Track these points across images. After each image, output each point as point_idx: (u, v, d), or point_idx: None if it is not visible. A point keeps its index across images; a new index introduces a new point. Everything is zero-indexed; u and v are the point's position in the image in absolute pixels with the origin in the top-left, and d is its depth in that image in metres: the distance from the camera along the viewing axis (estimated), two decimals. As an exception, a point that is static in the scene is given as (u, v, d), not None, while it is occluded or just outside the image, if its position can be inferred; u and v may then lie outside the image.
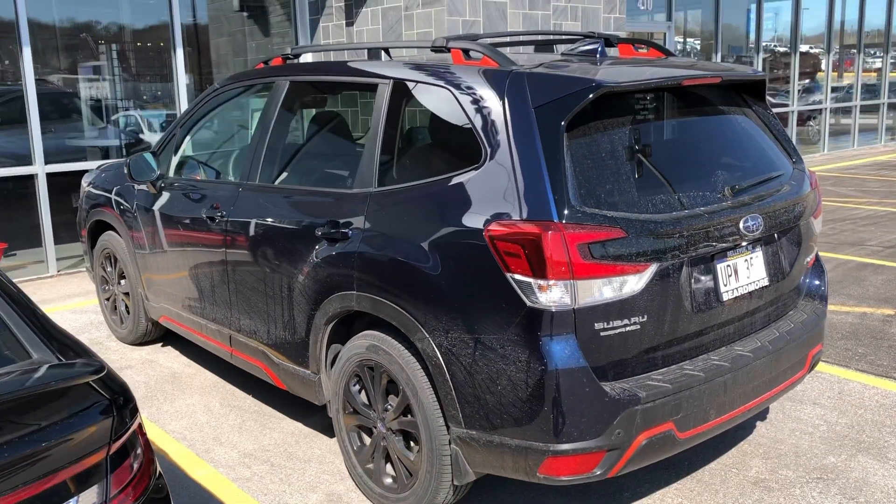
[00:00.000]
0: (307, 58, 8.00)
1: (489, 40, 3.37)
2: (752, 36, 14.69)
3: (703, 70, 3.15)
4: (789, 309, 3.33)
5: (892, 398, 4.21)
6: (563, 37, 3.91)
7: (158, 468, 1.94)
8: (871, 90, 17.52)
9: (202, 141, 4.81)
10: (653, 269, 2.65)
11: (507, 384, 2.64)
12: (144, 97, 9.82)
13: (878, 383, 4.41)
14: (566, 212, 2.56)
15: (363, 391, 3.26)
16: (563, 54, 3.48)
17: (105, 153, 8.64)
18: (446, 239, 2.79)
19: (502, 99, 2.79)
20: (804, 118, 16.14)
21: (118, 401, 1.76)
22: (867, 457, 3.57)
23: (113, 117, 9.45)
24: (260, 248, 3.66)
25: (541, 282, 2.54)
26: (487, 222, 2.67)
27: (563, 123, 2.66)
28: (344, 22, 7.92)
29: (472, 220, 2.72)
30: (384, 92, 3.22)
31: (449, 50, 3.17)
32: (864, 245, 7.86)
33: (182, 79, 7.74)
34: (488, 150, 2.77)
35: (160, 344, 5.34)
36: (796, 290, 3.34)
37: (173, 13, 7.53)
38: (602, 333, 2.60)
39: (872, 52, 17.16)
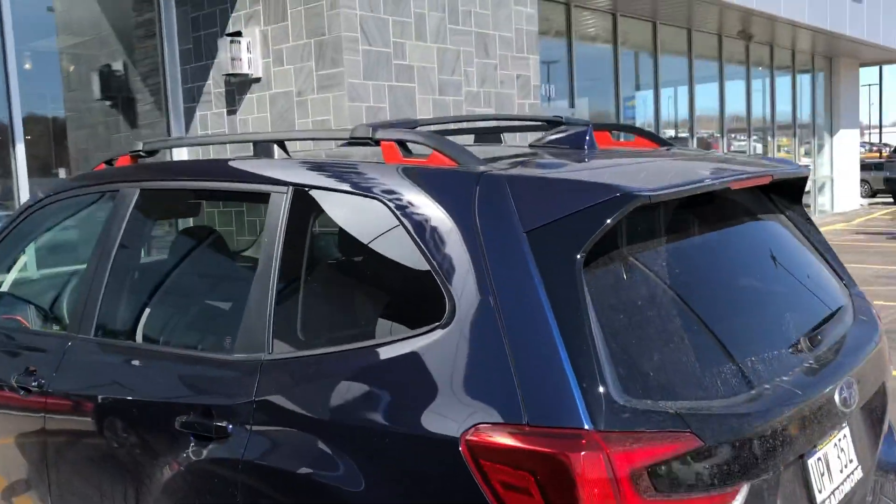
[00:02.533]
0: (182, 154, 6.83)
1: (429, 127, 2.37)
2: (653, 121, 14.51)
3: (750, 167, 2.22)
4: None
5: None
6: (523, 122, 2.98)
7: None
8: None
9: (22, 270, 3.55)
10: (743, 494, 1.62)
11: None
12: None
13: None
14: (605, 410, 1.51)
15: None
16: (531, 146, 2.51)
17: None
18: (393, 451, 1.69)
19: (473, 218, 1.76)
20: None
21: None
22: None
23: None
24: (93, 443, 2.42)
25: (572, 541, 1.46)
26: (465, 428, 1.59)
27: (578, 257, 1.64)
28: (225, 110, 6.83)
29: (437, 421, 1.64)
30: (281, 205, 2.13)
31: (377, 142, 2.13)
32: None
33: (24, 178, 6.40)
34: (455, 301, 1.71)
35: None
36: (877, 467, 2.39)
37: (12, 106, 6.25)
38: None
39: (734, 136, 17.42)
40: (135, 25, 7.64)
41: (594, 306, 1.63)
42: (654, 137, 2.68)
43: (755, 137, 17.21)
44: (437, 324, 1.73)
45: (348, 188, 2.00)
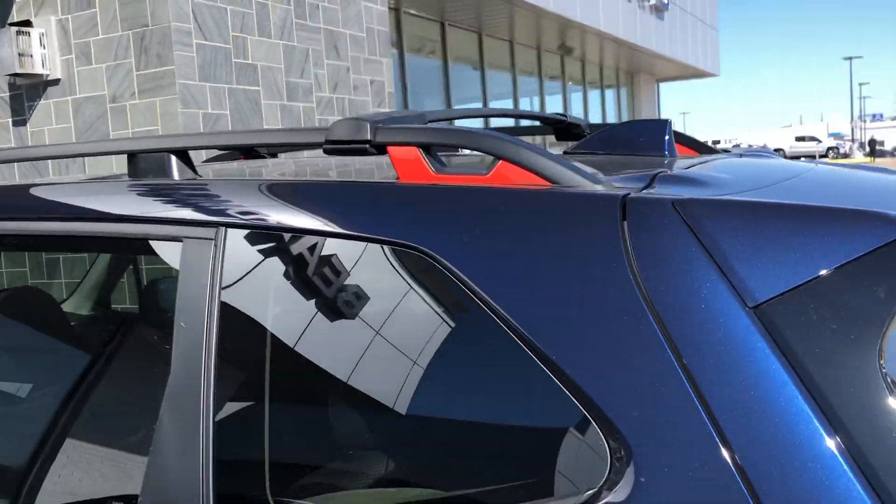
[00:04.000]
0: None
1: (435, 121, 1.49)
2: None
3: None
4: None
5: None
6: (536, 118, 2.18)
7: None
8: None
9: None
10: None
11: None
12: None
13: None
14: None
15: None
16: (567, 152, 1.71)
17: None
18: None
19: (631, 285, 0.93)
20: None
21: None
22: None
23: None
24: None
25: None
26: None
27: (878, 349, 0.87)
28: (10, 120, 5.41)
29: None
30: (207, 263, 1.18)
31: (382, 149, 1.22)
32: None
33: None
34: (630, 444, 0.88)
35: None
36: None
37: None
38: None
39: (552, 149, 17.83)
40: None
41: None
42: (693, 142, 1.98)
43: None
44: (590, 491, 0.89)
45: (349, 230, 1.09)
